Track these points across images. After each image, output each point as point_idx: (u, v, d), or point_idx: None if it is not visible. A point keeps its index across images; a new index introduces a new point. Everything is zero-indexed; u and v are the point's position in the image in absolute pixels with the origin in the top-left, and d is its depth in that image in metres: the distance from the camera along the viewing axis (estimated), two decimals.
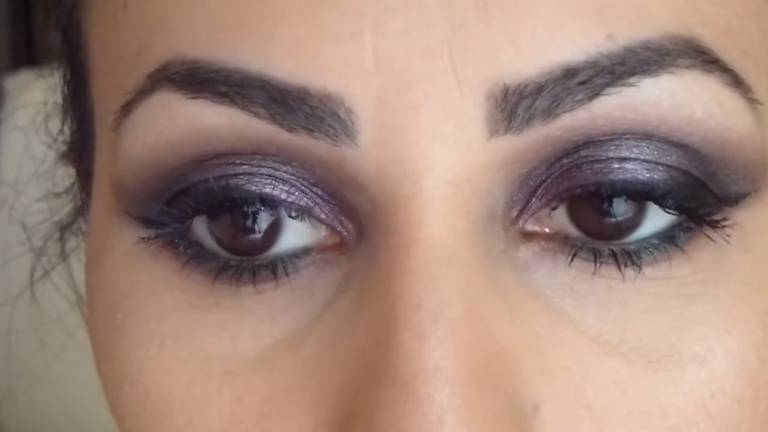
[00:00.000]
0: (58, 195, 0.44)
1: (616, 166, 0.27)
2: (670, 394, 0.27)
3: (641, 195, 0.27)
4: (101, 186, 0.32)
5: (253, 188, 0.28)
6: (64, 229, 0.44)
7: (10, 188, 0.50)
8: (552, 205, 0.28)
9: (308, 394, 0.27)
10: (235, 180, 0.28)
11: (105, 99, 0.31)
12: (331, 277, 0.28)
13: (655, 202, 0.27)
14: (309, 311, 0.28)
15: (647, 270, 0.27)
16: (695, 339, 0.27)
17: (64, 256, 0.44)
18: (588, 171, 0.27)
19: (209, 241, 0.29)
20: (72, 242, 0.44)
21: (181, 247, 0.29)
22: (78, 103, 0.35)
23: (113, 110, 0.29)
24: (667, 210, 0.27)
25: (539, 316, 0.27)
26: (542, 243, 0.28)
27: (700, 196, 0.27)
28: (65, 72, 0.36)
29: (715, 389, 0.27)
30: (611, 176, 0.27)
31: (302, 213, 0.28)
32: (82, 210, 0.41)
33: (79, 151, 0.36)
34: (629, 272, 0.27)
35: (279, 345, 0.28)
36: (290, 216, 0.28)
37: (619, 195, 0.27)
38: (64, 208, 0.43)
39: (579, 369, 0.27)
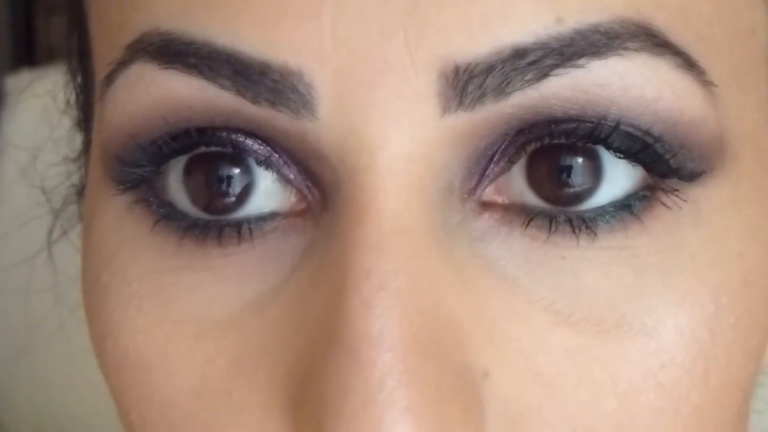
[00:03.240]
0: (74, 160, 0.45)
1: (572, 125, 0.28)
2: (620, 364, 0.28)
3: (593, 138, 0.28)
4: (94, 153, 0.33)
5: (226, 135, 0.29)
6: (81, 192, 0.45)
7: (29, 153, 0.52)
8: (509, 166, 0.28)
9: (272, 357, 0.29)
10: (211, 131, 0.29)
11: (98, 70, 0.32)
12: (297, 242, 0.29)
13: (607, 147, 0.28)
14: (275, 275, 0.29)
15: (603, 238, 0.28)
16: (645, 310, 0.28)
17: (80, 218, 0.46)
18: (543, 129, 0.28)
19: (183, 202, 0.30)
20: None
21: (154, 206, 0.30)
22: (82, 72, 0.37)
23: (100, 80, 0.31)
24: (618, 155, 0.28)
25: (492, 288, 0.28)
26: (500, 213, 0.29)
27: (653, 157, 0.28)
28: (73, 42, 0.38)
29: (664, 359, 0.28)
30: (563, 126, 0.28)
31: (271, 167, 0.29)
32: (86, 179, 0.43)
33: (84, 118, 0.38)
34: (584, 239, 0.28)
35: (247, 307, 0.29)
36: (258, 164, 0.29)
37: (573, 146, 0.28)
38: (80, 171, 0.45)
39: (530, 338, 0.28)
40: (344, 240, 0.27)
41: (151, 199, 0.31)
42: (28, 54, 1.36)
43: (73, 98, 0.42)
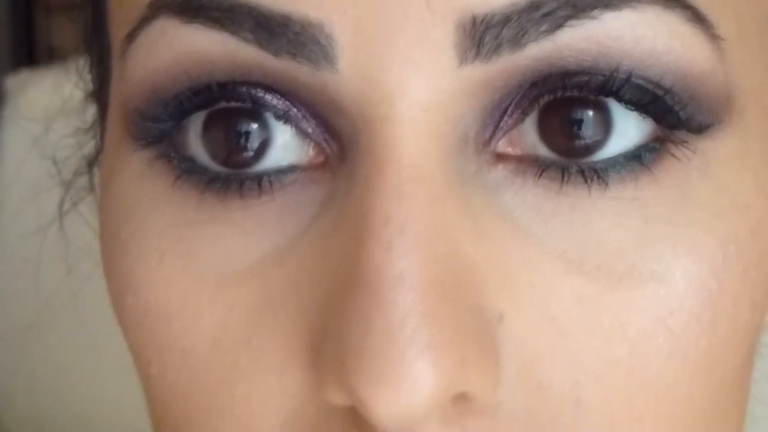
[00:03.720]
0: (86, 131, 0.46)
1: (584, 77, 0.29)
2: (630, 311, 0.29)
3: (605, 91, 0.29)
4: (112, 116, 0.34)
5: (246, 90, 0.30)
6: (92, 163, 0.46)
7: (41, 125, 0.53)
8: (522, 118, 0.29)
9: (292, 305, 0.29)
10: (232, 86, 0.30)
11: (117, 31, 0.33)
12: (316, 194, 0.30)
13: (618, 99, 0.29)
14: (295, 226, 0.30)
15: (614, 189, 0.29)
16: (655, 258, 0.29)
17: (91, 188, 0.47)
18: (556, 82, 0.29)
19: (202, 157, 0.31)
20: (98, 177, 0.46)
21: (175, 161, 0.31)
22: (98, 40, 0.38)
23: (121, 39, 0.32)
24: (629, 107, 0.29)
25: (506, 236, 0.29)
26: (514, 164, 0.29)
27: (664, 109, 0.29)
28: (88, 13, 0.39)
29: (673, 306, 0.29)
30: (576, 79, 0.28)
31: (290, 121, 0.30)
32: (102, 146, 0.43)
33: (99, 87, 0.39)
34: (595, 190, 0.29)
35: (267, 258, 0.30)
36: (277, 118, 0.30)
37: (584, 99, 0.29)
38: (92, 143, 0.45)
39: (543, 285, 0.29)
40: (364, 187, 0.28)
41: (172, 155, 0.31)
42: (28, 54, 1.36)
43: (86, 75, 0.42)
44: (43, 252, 0.55)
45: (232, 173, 0.30)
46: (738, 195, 0.30)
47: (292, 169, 0.30)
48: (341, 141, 0.29)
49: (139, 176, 0.32)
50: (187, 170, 0.31)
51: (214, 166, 0.31)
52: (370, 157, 0.28)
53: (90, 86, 0.42)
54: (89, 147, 0.46)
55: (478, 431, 0.28)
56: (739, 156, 0.30)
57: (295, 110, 0.30)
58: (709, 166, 0.30)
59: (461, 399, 0.28)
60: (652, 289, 0.29)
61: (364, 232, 0.28)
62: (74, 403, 0.91)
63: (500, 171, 0.29)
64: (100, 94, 0.39)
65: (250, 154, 0.30)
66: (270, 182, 0.30)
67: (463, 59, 0.28)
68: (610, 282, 0.29)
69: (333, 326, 0.28)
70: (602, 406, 0.29)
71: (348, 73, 0.28)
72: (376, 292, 0.27)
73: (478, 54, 0.28)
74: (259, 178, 0.30)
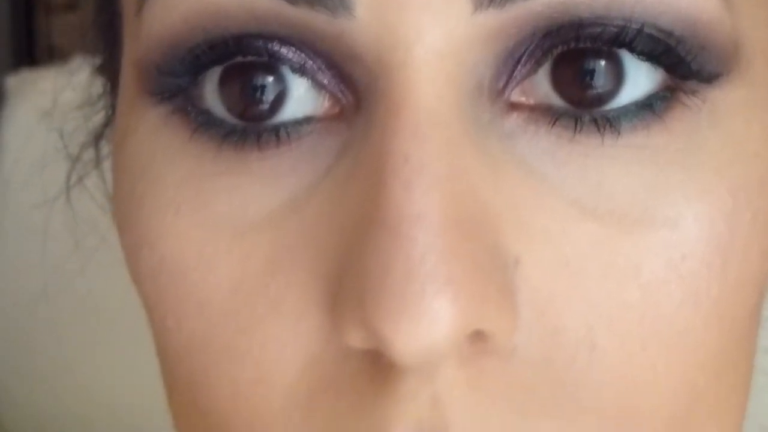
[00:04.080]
0: (93, 104, 0.46)
1: (597, 29, 0.29)
2: (643, 255, 0.29)
3: (617, 42, 0.29)
4: (126, 77, 0.34)
5: (262, 44, 0.30)
6: (99, 137, 0.46)
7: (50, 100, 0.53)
8: (535, 68, 0.30)
9: (309, 251, 0.29)
10: (247, 40, 0.30)
11: None
12: (332, 143, 0.30)
13: (631, 50, 0.29)
14: (311, 175, 0.30)
15: (626, 137, 0.29)
16: (667, 204, 0.29)
17: (98, 161, 0.47)
18: (569, 33, 0.29)
19: (219, 110, 0.31)
20: (105, 150, 0.47)
21: (192, 115, 0.31)
22: (108, 6, 0.38)
23: None
24: (641, 58, 0.29)
25: (522, 181, 0.29)
26: (527, 113, 0.30)
27: (675, 59, 0.29)
28: None
29: (685, 251, 0.29)
30: (589, 30, 0.29)
31: (306, 74, 0.30)
32: (112, 118, 0.43)
33: (108, 56, 0.39)
34: (608, 138, 0.29)
35: (284, 207, 0.30)
36: (293, 71, 0.30)
37: (597, 50, 0.29)
38: (99, 116, 0.46)
39: (558, 230, 0.29)
40: (381, 131, 0.28)
41: (189, 108, 0.31)
42: (28, 54, 1.36)
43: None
44: (50, 225, 0.55)
45: (250, 125, 0.31)
46: (746, 144, 0.31)
47: (308, 120, 0.30)
48: (357, 91, 0.30)
49: (155, 132, 0.32)
50: (204, 123, 0.31)
51: (231, 119, 0.31)
52: (387, 101, 0.28)
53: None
54: (96, 120, 0.46)
55: (494, 373, 0.28)
56: (747, 106, 0.31)
57: (310, 62, 0.30)
58: (718, 115, 0.30)
59: (478, 339, 0.28)
60: (664, 234, 0.29)
61: (382, 173, 0.28)
62: (74, 403, 0.91)
63: (514, 120, 0.29)
64: (109, 62, 0.39)
65: (266, 107, 0.30)
66: (288, 133, 0.30)
67: (477, 5, 0.28)
68: (623, 227, 0.29)
69: (352, 267, 0.28)
70: (616, 352, 0.29)
71: (365, 20, 0.29)
72: (396, 229, 0.27)
73: (492, 0, 0.28)
74: (276, 130, 0.30)
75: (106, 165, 0.47)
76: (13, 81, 1.00)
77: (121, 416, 0.89)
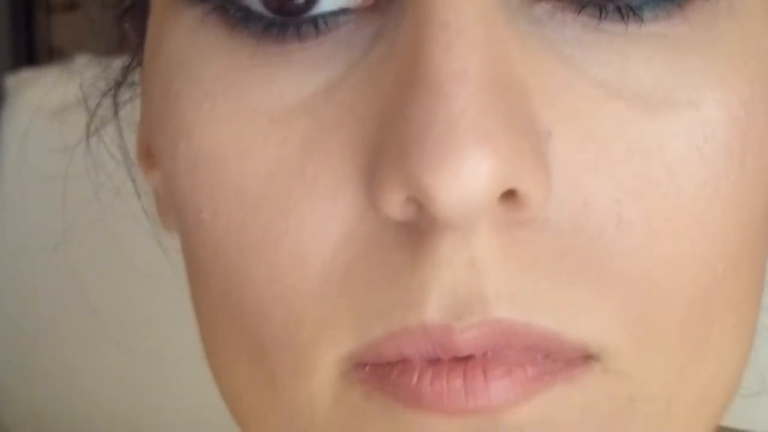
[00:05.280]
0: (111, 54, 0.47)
1: None
2: (667, 135, 0.30)
3: None
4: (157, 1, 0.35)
5: None
6: (118, 84, 0.46)
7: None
8: None
9: (346, 129, 0.30)
10: None
11: None
12: (367, 31, 0.31)
13: None
14: (346, 61, 0.31)
15: (648, 25, 0.30)
16: (689, 87, 0.30)
17: (116, 109, 0.47)
18: None
19: (256, 6, 0.32)
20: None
21: (231, 11, 0.32)
22: None
23: None
24: None
25: (551, 61, 0.30)
26: (553, 2, 0.30)
27: None
28: None
29: (707, 132, 0.30)
30: None
31: None
32: (131, 67, 0.44)
33: None
34: (632, 25, 0.30)
35: (319, 92, 0.31)
36: None
37: None
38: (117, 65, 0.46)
39: (586, 108, 0.30)
40: (418, 8, 0.29)
41: (227, 5, 0.32)
42: (28, 54, 1.36)
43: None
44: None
45: (289, 18, 0.31)
46: (763, 39, 0.32)
47: (344, 11, 0.31)
48: None
49: (192, 33, 0.33)
50: (242, 19, 0.31)
51: (268, 13, 0.31)
52: None
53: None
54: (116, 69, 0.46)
55: (526, 242, 0.29)
56: (762, 2, 0.32)
57: None
58: (735, 8, 0.31)
59: (514, 206, 0.29)
60: (687, 115, 0.30)
61: (422, 38, 0.29)
62: (74, 402, 0.91)
63: (542, 7, 0.30)
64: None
65: (301, 1, 0.31)
66: (326, 23, 0.31)
67: None
68: (647, 108, 0.30)
69: (391, 133, 0.29)
70: (642, 225, 0.30)
71: None
72: (437, 86, 0.28)
73: None
74: (314, 21, 0.31)
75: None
76: (13, 81, 1.00)
77: (121, 416, 0.89)
